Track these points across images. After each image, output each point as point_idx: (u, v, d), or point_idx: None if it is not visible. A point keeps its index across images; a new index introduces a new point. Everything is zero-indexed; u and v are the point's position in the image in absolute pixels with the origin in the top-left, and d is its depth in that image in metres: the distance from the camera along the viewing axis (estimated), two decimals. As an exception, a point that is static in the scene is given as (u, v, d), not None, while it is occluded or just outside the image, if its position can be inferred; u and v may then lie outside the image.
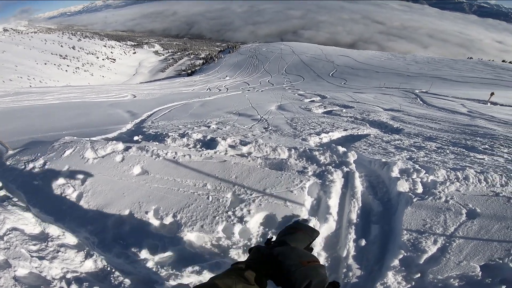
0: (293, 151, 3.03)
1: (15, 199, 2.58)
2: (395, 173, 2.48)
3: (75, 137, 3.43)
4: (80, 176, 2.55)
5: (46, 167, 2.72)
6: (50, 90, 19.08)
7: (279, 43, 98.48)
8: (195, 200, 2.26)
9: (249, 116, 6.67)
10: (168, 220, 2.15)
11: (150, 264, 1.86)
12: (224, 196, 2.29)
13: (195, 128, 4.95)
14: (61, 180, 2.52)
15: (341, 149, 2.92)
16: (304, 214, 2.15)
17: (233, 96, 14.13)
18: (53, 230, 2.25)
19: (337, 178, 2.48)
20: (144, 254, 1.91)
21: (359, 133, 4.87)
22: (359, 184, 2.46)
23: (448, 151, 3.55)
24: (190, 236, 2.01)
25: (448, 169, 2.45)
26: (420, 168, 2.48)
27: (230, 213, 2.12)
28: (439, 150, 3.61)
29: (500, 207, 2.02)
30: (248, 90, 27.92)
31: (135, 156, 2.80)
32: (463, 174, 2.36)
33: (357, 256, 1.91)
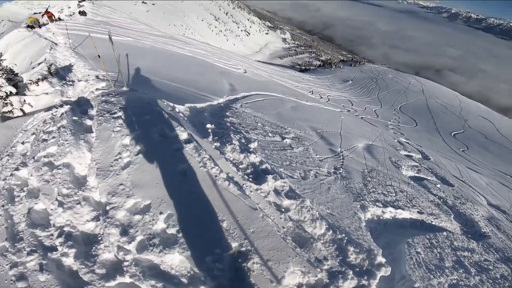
0: (330, 232, 2.77)
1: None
2: None
3: (166, 102, 4.15)
4: (139, 147, 3.09)
5: (127, 121, 3.46)
6: (192, 42, 23.26)
7: (411, 76, 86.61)
8: (203, 231, 2.40)
9: (329, 144, 6.54)
10: (171, 231, 2.41)
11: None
12: (231, 243, 2.35)
13: (269, 134, 5.21)
14: (126, 140, 3.18)
15: (379, 259, 2.57)
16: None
17: (328, 111, 13.75)
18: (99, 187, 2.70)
19: (347, 286, 2.27)
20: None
21: (434, 223, 4.23)
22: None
23: (506, 285, 2.78)
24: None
25: None
26: None
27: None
28: (499, 280, 3.02)
29: None
30: (348, 110, 26.44)
31: (187, 154, 2.99)
32: None
33: None
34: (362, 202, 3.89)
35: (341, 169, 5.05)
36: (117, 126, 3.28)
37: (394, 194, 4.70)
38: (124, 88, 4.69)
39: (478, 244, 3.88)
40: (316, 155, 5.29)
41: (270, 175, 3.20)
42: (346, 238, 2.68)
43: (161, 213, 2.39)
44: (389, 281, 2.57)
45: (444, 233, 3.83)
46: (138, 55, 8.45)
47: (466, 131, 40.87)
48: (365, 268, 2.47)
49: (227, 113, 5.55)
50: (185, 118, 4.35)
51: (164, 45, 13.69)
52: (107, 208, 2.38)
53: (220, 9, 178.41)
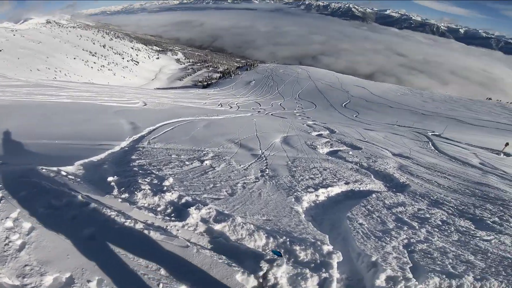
0: (271, 239, 2.62)
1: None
2: (380, 280, 2.14)
3: (45, 168, 3.26)
4: (27, 225, 2.36)
5: (2, 203, 2.53)
6: (68, 86, 19.73)
7: (297, 66, 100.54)
8: (144, 284, 2.03)
9: (250, 150, 6.46)
10: None
11: None
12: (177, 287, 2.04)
13: (186, 163, 4.68)
14: (9, 223, 2.35)
15: (326, 248, 2.50)
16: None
17: (241, 118, 14.04)
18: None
19: (311, 286, 2.11)
20: None
21: (361, 189, 4.57)
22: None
23: (453, 229, 3.23)
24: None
25: (443, 276, 2.12)
26: (410, 277, 2.14)
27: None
28: (443, 226, 3.28)
29: None
30: (258, 111, 28.06)
31: (89, 218, 2.55)
32: (458, 283, 2.03)
33: None
34: (295, 194, 3.84)
35: (267, 170, 4.98)
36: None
37: (320, 175, 4.93)
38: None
39: (405, 195, 4.30)
40: (240, 165, 5.05)
41: (192, 207, 2.91)
42: (288, 239, 2.57)
43: (88, 281, 2.04)
44: (349, 263, 2.54)
45: (374, 195, 4.12)
46: (-1, 116, 6.33)
47: (351, 100, 50.40)
48: (318, 261, 2.36)
49: (133, 157, 4.65)
50: (78, 179, 3.43)
51: (30, 95, 10.88)
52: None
53: (94, 43, 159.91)
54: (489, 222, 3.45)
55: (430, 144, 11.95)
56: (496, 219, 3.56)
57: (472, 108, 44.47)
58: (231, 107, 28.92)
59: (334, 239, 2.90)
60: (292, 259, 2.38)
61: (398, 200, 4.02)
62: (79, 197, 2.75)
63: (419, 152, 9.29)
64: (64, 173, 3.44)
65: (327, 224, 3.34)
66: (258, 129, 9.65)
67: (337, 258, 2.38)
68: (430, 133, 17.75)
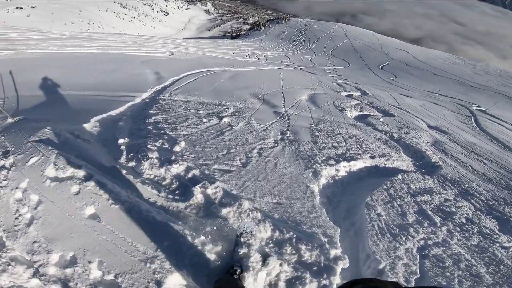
0: (277, 232, 2.37)
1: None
2: None
3: (58, 130, 3.21)
4: (35, 198, 2.41)
5: (11, 173, 2.59)
6: (100, 37, 19.84)
7: (333, 23, 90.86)
8: (140, 270, 2.04)
9: (273, 107, 6.21)
10: (109, 277, 1.98)
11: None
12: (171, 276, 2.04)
13: (203, 120, 4.52)
14: (18, 194, 2.42)
15: (334, 252, 2.24)
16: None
17: (268, 71, 13.29)
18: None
19: None
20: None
21: (387, 165, 4.20)
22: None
23: (476, 230, 2.86)
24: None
25: None
26: None
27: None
28: (467, 226, 2.91)
29: None
30: (287, 65, 26.57)
31: (92, 194, 2.49)
32: None
33: None
34: (314, 166, 3.55)
35: (288, 132, 4.71)
36: (2, 180, 2.59)
37: (344, 144, 4.58)
38: (9, 120, 3.50)
39: (434, 179, 3.88)
40: (260, 124, 4.84)
41: (197, 186, 2.67)
42: (295, 235, 2.33)
43: (90, 262, 2.10)
44: (355, 267, 2.31)
45: (399, 176, 3.75)
46: (27, 68, 6.54)
47: (390, 63, 45.46)
48: (322, 264, 2.14)
49: (151, 111, 4.63)
50: (91, 141, 3.39)
51: (62, 48, 11.16)
52: (35, 266, 2.09)
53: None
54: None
55: (472, 120, 10.68)
56: (523, 222, 3.14)
57: (527, 86, 38.28)
58: (258, 59, 27.64)
59: (346, 232, 2.68)
60: (295, 259, 2.20)
61: (425, 185, 3.63)
62: (83, 169, 2.71)
63: (458, 127, 8.37)
64: (77, 133, 3.43)
65: (343, 208, 3.10)
66: (284, 83, 9.08)
67: (342, 265, 2.17)
68: (474, 108, 15.81)
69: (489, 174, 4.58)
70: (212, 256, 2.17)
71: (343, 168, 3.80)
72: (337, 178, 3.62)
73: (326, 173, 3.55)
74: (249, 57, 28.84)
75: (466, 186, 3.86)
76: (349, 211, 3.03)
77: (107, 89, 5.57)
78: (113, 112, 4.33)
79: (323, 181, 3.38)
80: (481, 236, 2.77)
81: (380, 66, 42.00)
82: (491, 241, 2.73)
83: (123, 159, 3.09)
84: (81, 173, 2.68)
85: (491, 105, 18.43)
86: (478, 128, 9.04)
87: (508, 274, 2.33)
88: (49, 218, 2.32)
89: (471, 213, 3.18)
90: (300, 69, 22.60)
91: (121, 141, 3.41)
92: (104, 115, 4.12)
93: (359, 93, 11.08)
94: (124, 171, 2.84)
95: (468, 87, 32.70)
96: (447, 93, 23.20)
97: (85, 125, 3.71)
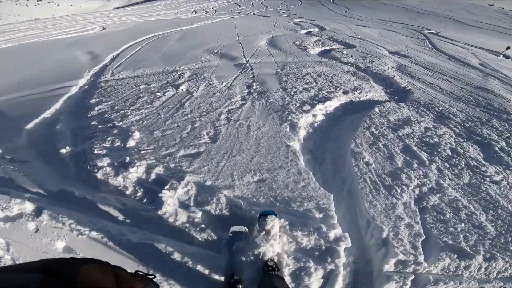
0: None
1: None
2: (389, 265, 1.84)
3: None
4: (2, 240, 1.94)
5: None
6: (5, 29, 15.54)
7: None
8: None
9: (232, 60, 5.55)
10: None
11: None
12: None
13: (157, 94, 3.84)
14: None
15: (333, 233, 1.98)
16: None
17: (220, 23, 12.08)
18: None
19: (315, 280, 1.76)
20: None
21: (361, 99, 4.11)
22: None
23: (463, 163, 2.80)
24: None
25: (454, 257, 1.88)
26: (421, 260, 1.85)
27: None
28: (454, 160, 2.84)
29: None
30: (239, 12, 24.33)
31: (51, 228, 2.02)
32: (467, 263, 1.86)
33: None
34: (290, 117, 3.26)
35: (254, 84, 4.29)
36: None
37: (314, 83, 4.34)
38: None
39: (408, 106, 3.84)
40: (222, 83, 4.31)
41: (165, 189, 2.21)
42: (288, 222, 2.04)
43: None
44: (357, 239, 2.10)
45: (376, 109, 3.66)
46: None
47: (341, -6, 43.97)
48: (323, 247, 1.92)
49: (93, 100, 3.72)
50: (28, 160, 2.68)
51: None
52: None
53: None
54: (496, 149, 3.08)
55: (427, 42, 11.07)
56: (503, 144, 3.18)
57: (472, 11, 40.48)
58: (207, 12, 24.77)
59: (339, 194, 2.44)
60: (294, 247, 1.96)
61: (402, 114, 3.60)
62: (28, 203, 2.15)
63: (416, 50, 8.56)
64: (11, 155, 2.72)
65: (329, 160, 2.88)
66: (239, 32, 8.38)
67: (345, 245, 1.96)
68: (426, 31, 16.32)
69: (457, 92, 4.73)
70: (208, 267, 1.85)
71: (319, 111, 3.61)
72: (315, 125, 3.43)
73: (304, 122, 3.32)
74: (196, 12, 25.63)
75: (440, 108, 3.93)
76: (336, 163, 2.82)
77: (34, 85, 4.46)
78: (47, 113, 3.52)
79: (302, 133, 3.14)
80: (470, 171, 2.72)
81: (332, 0, 40.51)
82: (481, 176, 2.66)
83: (71, 177, 2.51)
84: (28, 207, 2.14)
85: (442, 28, 19.17)
86: (434, 49, 9.34)
87: (508, 220, 2.23)
88: (26, 257, 1.92)
89: (453, 141, 3.15)
90: (253, 14, 20.75)
91: (62, 151, 2.74)
92: (37, 120, 3.33)
93: (317, 29, 10.83)
94: (76, 192, 2.28)
95: (416, 13, 33.47)
96: (399, 20, 23.46)
97: (18, 141, 2.94)
